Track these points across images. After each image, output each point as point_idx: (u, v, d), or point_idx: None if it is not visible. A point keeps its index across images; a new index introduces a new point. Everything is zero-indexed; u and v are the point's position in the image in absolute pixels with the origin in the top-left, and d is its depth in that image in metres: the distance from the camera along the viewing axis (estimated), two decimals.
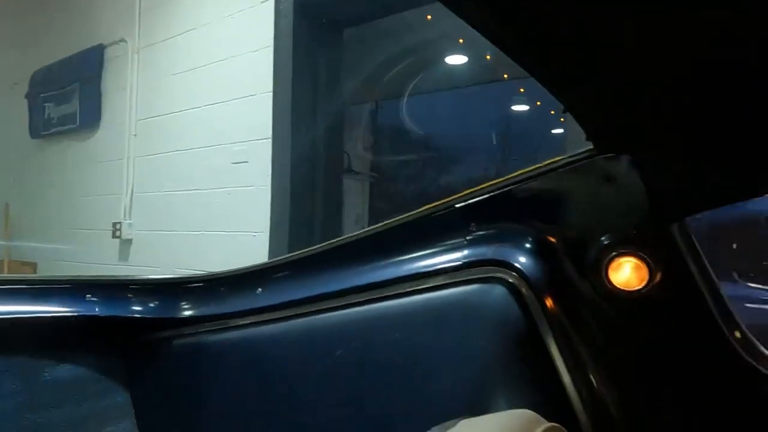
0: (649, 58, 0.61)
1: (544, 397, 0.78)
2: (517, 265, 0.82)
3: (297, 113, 2.67)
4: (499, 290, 0.82)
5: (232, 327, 1.08)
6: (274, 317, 1.04)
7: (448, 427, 0.62)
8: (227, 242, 2.86)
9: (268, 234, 2.66)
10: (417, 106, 4.63)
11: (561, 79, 0.68)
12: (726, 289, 2.50)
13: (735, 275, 2.39)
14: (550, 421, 0.69)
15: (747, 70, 0.61)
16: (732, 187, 0.73)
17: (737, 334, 0.78)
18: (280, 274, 1.07)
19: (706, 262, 0.79)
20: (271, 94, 2.71)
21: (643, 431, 0.78)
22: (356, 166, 4.63)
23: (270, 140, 2.70)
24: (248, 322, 1.06)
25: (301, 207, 2.64)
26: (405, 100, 4.48)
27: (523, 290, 0.80)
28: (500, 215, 0.87)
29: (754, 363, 0.77)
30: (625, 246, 0.76)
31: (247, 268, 1.11)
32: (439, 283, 0.88)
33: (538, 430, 0.64)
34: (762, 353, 0.77)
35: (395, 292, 0.91)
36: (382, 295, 0.92)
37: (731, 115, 0.68)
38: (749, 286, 2.36)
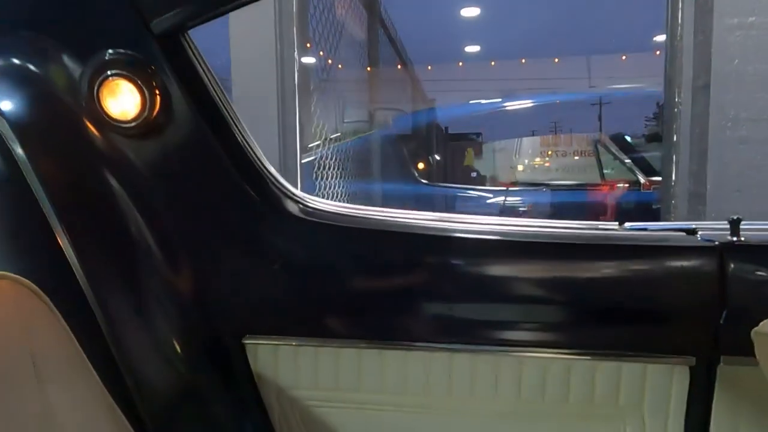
0: None
1: (38, 260, 0.69)
2: None
3: None
4: None
5: None
6: None
7: None
8: None
9: None
10: None
11: None
12: (408, 186, 2.70)
13: (415, 173, 2.71)
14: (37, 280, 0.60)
15: None
16: None
17: (249, 158, 0.78)
18: None
19: (218, 92, 0.76)
20: None
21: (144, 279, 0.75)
22: None
23: None
24: None
25: None
26: None
27: (4, 132, 0.68)
28: None
29: (274, 190, 0.79)
30: (114, 67, 0.68)
31: None
32: None
33: None
34: (273, 180, 0.80)
35: None
36: None
37: None
38: (421, 182, 2.70)
